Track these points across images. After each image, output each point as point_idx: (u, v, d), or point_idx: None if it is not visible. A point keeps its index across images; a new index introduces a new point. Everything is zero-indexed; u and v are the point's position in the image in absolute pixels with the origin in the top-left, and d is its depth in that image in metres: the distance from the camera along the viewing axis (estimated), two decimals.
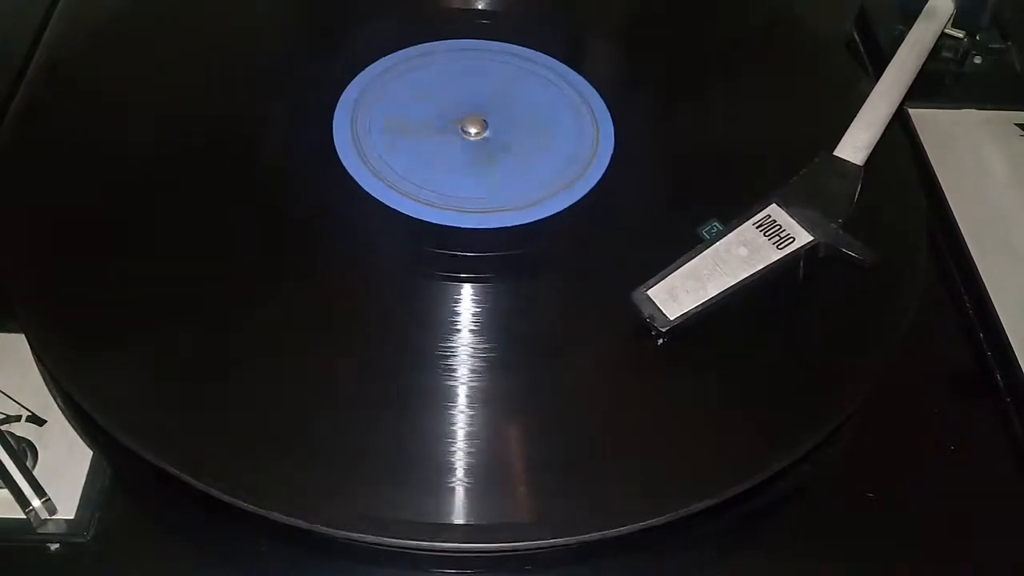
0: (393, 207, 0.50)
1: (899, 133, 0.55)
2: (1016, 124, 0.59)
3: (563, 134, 0.54)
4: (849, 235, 0.46)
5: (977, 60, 0.63)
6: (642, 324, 0.44)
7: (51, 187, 0.49)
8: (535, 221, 0.50)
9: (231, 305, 0.46)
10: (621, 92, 0.57)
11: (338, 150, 0.52)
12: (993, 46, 0.63)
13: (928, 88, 0.58)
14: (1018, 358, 0.48)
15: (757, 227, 0.47)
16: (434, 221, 0.49)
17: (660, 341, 0.44)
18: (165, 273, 0.46)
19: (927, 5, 0.59)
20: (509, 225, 0.49)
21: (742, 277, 0.45)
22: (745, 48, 0.60)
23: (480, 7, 0.61)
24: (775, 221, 0.47)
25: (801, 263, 0.46)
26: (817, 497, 0.44)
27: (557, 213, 0.50)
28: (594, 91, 0.56)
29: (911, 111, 0.58)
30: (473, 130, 0.53)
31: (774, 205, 0.48)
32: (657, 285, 0.45)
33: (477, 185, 0.51)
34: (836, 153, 0.50)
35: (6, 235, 0.47)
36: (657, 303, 0.44)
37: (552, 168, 0.52)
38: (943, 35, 0.61)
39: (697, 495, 0.40)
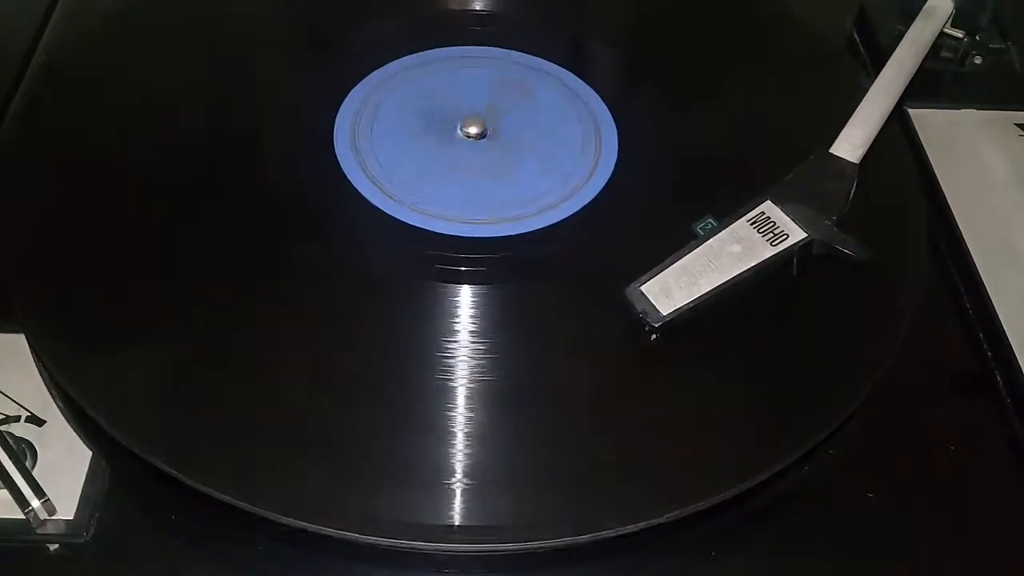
0: (392, 215, 0.50)
1: (899, 133, 0.55)
2: (1016, 124, 0.59)
3: (566, 140, 0.54)
4: (843, 232, 0.46)
5: (977, 60, 0.62)
6: (635, 320, 0.44)
7: (51, 187, 0.49)
8: (536, 229, 0.50)
9: (230, 306, 0.46)
10: (622, 95, 0.57)
11: (338, 155, 0.52)
12: (993, 46, 0.63)
13: (928, 88, 0.58)
14: (1018, 358, 0.48)
15: (751, 224, 0.47)
16: (434, 229, 0.49)
17: (653, 337, 0.44)
18: (165, 274, 0.47)
19: (926, 4, 0.59)
20: (510, 234, 0.49)
21: (735, 274, 0.45)
22: (745, 48, 0.60)
23: (482, 14, 0.61)
24: (769, 218, 0.47)
25: (795, 260, 0.46)
26: (817, 497, 0.44)
27: (561, 221, 0.50)
28: (595, 95, 0.56)
29: (911, 111, 0.58)
30: (475, 137, 0.53)
31: (768, 202, 0.48)
32: (650, 281, 0.45)
33: (478, 192, 0.51)
34: (832, 151, 0.50)
35: (6, 235, 0.47)
36: (650, 298, 0.44)
37: (555, 174, 0.52)
38: (943, 35, 0.61)
39: (697, 495, 0.40)
